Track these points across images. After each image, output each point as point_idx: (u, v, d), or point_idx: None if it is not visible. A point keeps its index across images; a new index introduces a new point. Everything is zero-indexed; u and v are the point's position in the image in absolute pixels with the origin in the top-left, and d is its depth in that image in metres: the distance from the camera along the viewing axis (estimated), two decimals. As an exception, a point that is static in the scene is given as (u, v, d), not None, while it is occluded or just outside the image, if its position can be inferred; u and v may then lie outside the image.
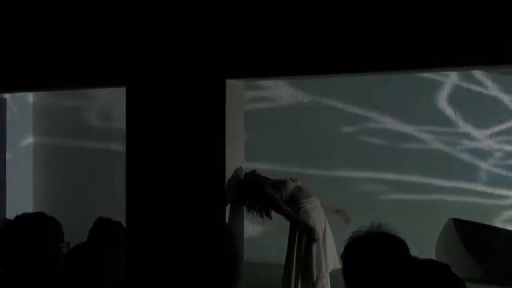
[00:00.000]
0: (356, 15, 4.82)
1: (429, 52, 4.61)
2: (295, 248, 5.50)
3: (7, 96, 9.17)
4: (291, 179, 5.76)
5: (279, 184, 5.67)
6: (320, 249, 5.47)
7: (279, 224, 5.93)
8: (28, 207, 9.07)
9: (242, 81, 5.61)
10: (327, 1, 4.97)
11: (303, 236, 5.48)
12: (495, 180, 8.70)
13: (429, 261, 1.80)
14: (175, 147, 5.51)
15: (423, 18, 4.56)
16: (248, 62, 5.28)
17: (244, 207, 5.60)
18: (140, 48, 5.69)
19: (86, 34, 5.94)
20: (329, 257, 5.53)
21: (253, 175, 5.62)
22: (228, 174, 5.36)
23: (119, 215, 4.92)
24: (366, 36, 4.76)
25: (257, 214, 5.63)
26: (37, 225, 2.59)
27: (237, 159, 5.51)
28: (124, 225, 4.72)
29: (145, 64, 5.67)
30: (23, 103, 9.52)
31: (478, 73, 8.58)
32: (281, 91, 8.93)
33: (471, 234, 7.72)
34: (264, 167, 6.90)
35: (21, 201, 9.21)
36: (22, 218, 2.64)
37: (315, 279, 5.43)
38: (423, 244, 5.45)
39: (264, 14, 5.17)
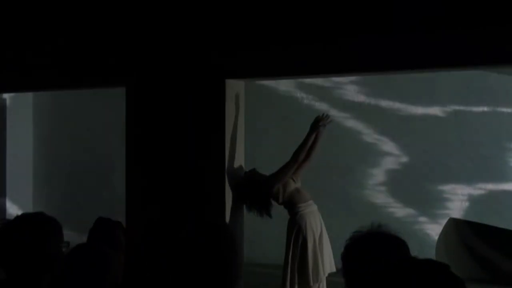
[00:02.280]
0: (356, 15, 4.82)
1: (429, 52, 4.61)
2: (291, 251, 5.49)
3: (6, 96, 9.18)
4: (292, 179, 5.70)
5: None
6: (316, 253, 5.44)
7: (279, 223, 5.92)
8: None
9: (242, 81, 5.61)
10: (327, 1, 4.97)
11: (299, 239, 5.46)
12: None
13: (429, 261, 1.80)
14: (175, 147, 5.51)
15: (423, 18, 4.55)
16: (248, 62, 5.28)
17: (244, 206, 5.59)
18: (140, 48, 5.69)
19: (86, 34, 5.94)
20: (326, 261, 5.51)
21: (252, 174, 5.61)
22: (228, 174, 5.36)
23: (119, 215, 4.91)
24: (366, 36, 4.76)
25: (257, 213, 5.62)
26: (37, 225, 2.59)
27: (237, 158, 5.51)
28: (124, 225, 4.71)
29: (145, 65, 5.67)
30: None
31: None
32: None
33: (471, 234, 7.71)
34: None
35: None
36: (22, 218, 2.64)
37: (311, 283, 5.41)
38: None
39: (264, 14, 5.17)
